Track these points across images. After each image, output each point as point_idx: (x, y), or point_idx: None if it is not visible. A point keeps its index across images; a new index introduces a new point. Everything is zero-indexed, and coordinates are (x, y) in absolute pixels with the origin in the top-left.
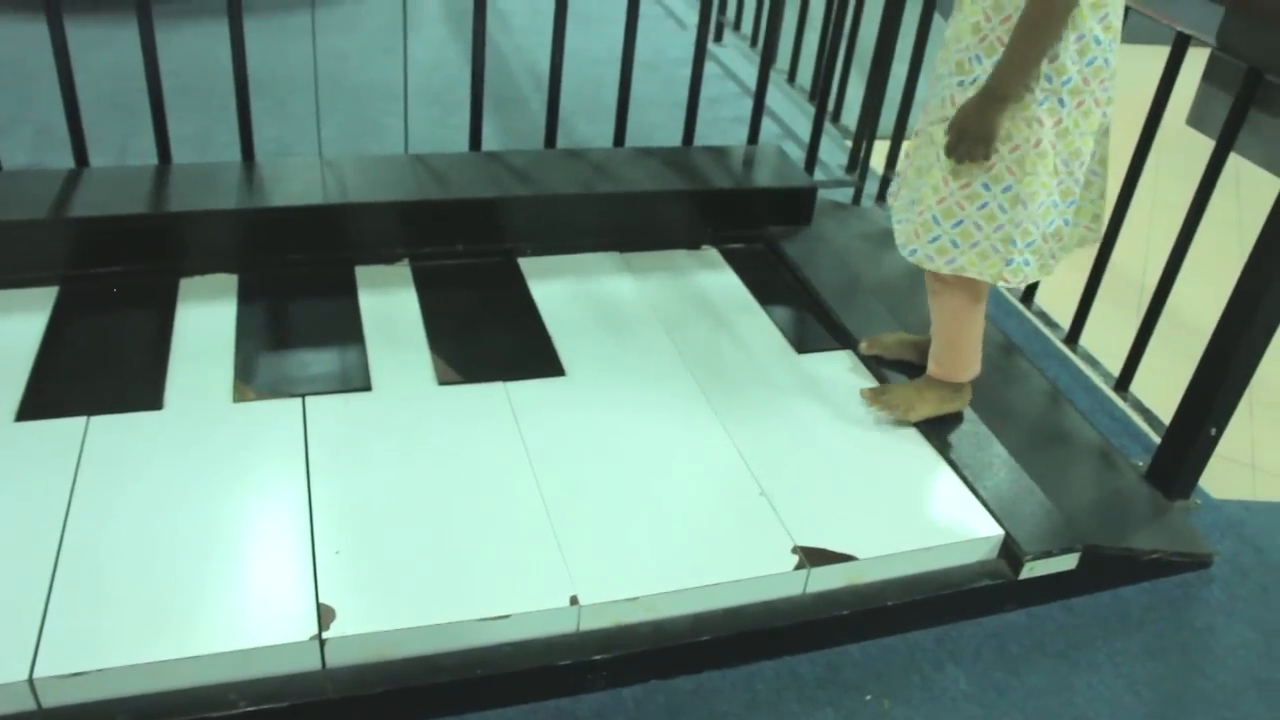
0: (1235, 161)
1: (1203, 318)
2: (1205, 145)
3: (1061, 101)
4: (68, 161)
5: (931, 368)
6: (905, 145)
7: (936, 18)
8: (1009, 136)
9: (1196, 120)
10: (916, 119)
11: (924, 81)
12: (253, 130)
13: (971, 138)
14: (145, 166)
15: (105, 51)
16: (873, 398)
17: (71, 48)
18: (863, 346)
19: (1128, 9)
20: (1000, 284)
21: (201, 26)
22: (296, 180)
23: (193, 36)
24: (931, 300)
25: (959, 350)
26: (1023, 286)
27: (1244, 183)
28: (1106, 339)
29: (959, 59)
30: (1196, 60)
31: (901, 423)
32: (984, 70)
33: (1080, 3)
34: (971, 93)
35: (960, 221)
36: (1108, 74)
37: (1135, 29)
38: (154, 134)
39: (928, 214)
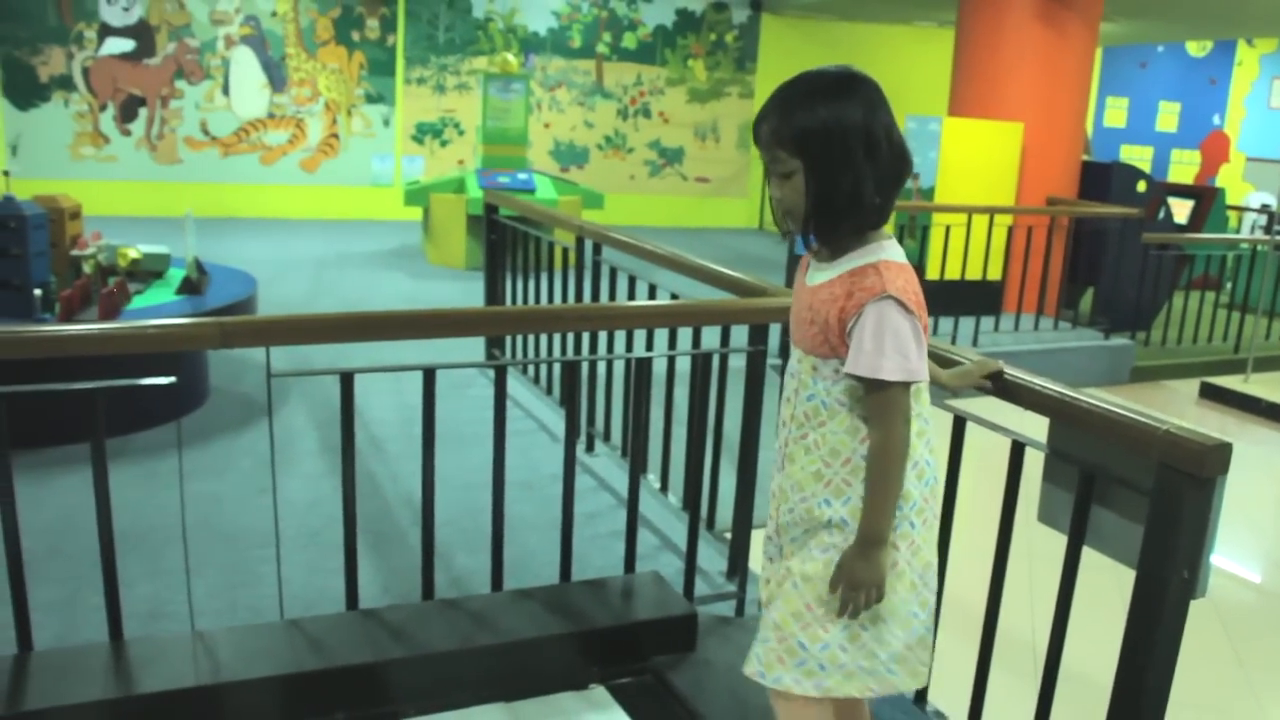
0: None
1: (1103, 673)
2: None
3: (911, 524)
4: None
5: None
6: (761, 567)
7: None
8: None
9: (1046, 517)
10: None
11: None
12: (120, 602)
13: (865, 587)
14: (2, 658)
15: None
16: None
17: None
18: None
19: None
20: (869, 694)
21: (74, 476)
22: (167, 661)
23: (64, 489)
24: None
25: None
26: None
27: None
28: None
29: (806, 507)
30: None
31: None
32: (835, 511)
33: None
34: (832, 535)
35: (826, 645)
36: (939, 488)
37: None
38: (14, 619)
39: (792, 640)
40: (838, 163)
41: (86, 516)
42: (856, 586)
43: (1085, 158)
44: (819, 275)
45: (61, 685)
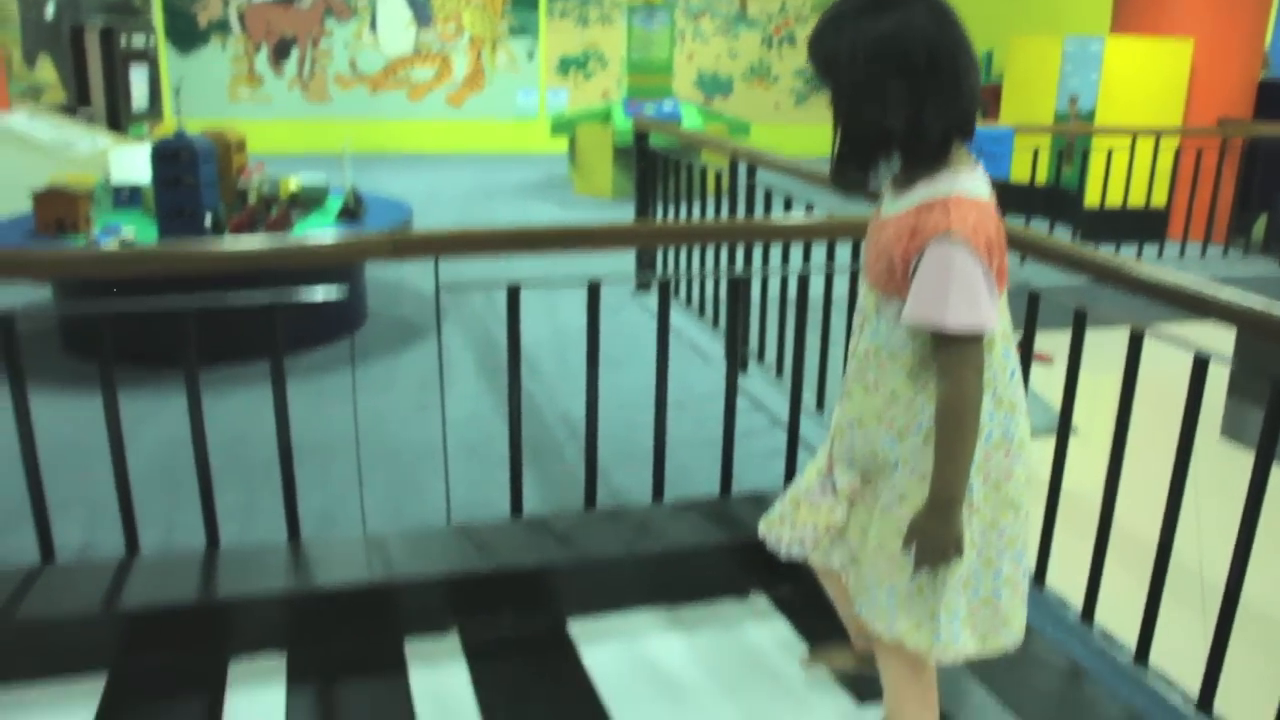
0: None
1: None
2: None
3: (969, 484)
4: (119, 539)
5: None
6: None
7: None
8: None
9: (1232, 431)
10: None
11: None
12: (297, 505)
13: (941, 548)
14: (193, 553)
15: (152, 424)
16: None
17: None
18: (802, 661)
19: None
20: (949, 661)
21: (246, 393)
22: (341, 560)
23: (237, 405)
24: (879, 654)
25: (905, 703)
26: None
27: None
28: (1179, 650)
29: (870, 449)
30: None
31: None
32: (898, 453)
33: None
34: (898, 477)
35: (893, 589)
36: (1015, 441)
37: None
38: (203, 518)
39: (868, 577)
40: (864, 89)
41: (257, 431)
42: (932, 547)
43: (1263, 75)
44: (891, 207)
45: (246, 578)
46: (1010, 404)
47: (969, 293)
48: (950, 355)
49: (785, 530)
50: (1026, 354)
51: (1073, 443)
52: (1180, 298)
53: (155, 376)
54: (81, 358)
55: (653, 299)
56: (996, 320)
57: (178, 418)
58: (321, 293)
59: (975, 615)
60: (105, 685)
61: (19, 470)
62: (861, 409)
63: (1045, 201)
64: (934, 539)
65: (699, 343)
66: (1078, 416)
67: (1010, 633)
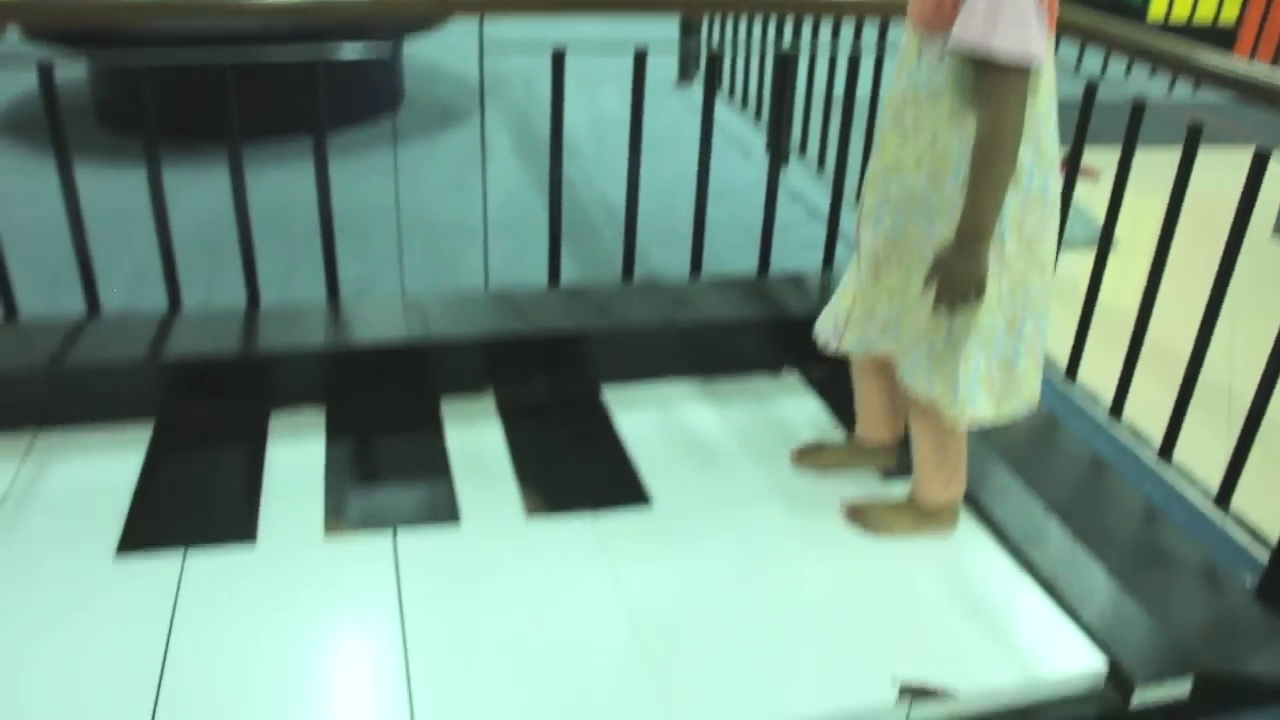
0: None
1: None
2: None
3: (1003, 238)
4: (161, 301)
5: (913, 488)
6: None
7: None
8: None
9: None
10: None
11: None
12: (337, 266)
13: (963, 285)
14: (235, 308)
15: (190, 193)
16: (851, 516)
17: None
18: (792, 458)
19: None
20: (965, 425)
21: (283, 168)
22: (380, 319)
23: (275, 179)
24: (912, 422)
25: (935, 468)
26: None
27: None
28: (1201, 452)
29: (905, 191)
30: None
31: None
32: (932, 202)
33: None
34: (934, 224)
35: (931, 345)
36: (1048, 206)
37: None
38: (244, 276)
39: (907, 337)
40: None
41: (295, 206)
42: (954, 283)
43: None
44: None
45: (287, 333)
46: (1051, 161)
47: (1019, 20)
48: (994, 84)
49: (829, 321)
50: (1073, 169)
51: (1112, 258)
52: (1249, 87)
53: (191, 154)
54: (116, 132)
55: (695, 93)
56: (1045, 58)
57: (214, 192)
58: (362, 50)
59: (992, 378)
60: (152, 432)
61: (59, 235)
62: (899, 155)
63: (1107, 13)
64: (957, 275)
65: (741, 136)
66: (1119, 232)
67: (1025, 400)
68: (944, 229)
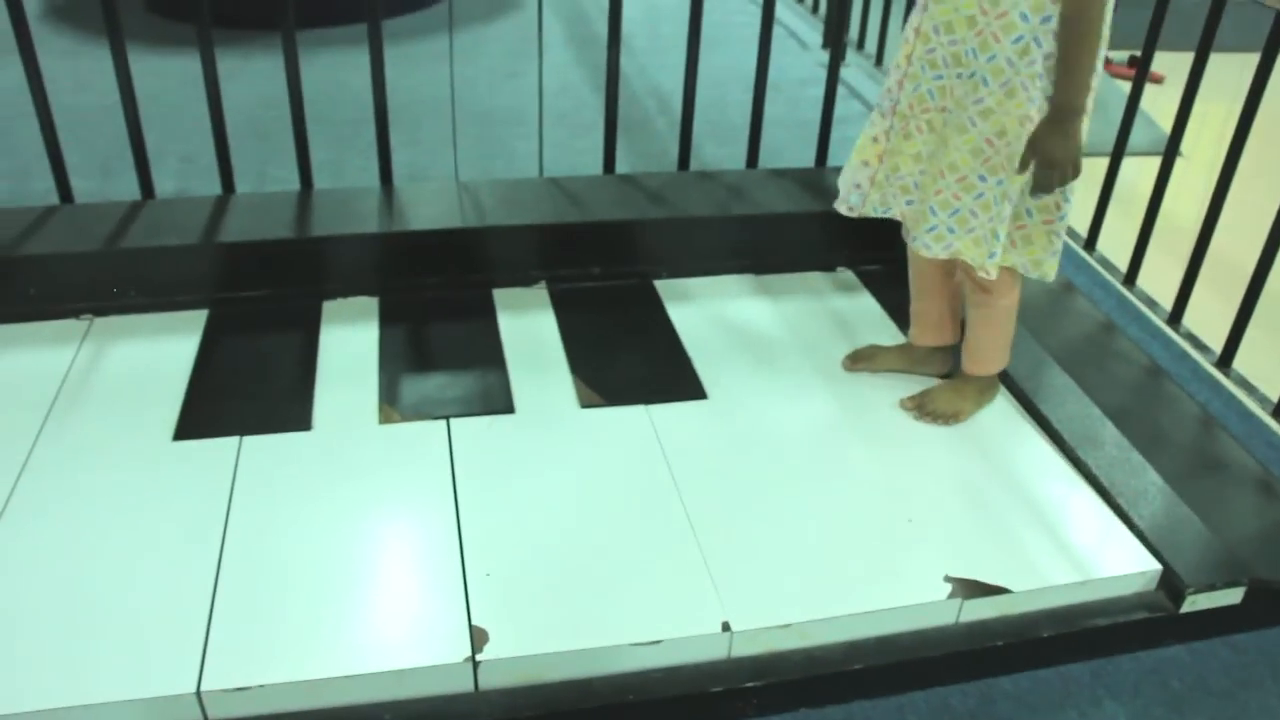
0: None
1: None
2: None
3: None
4: (213, 188)
5: (972, 367)
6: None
7: None
8: (1003, 132)
9: None
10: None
11: None
12: (390, 150)
13: (1063, 163)
14: (288, 192)
15: (238, 82)
16: (916, 407)
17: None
18: (845, 364)
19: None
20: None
21: (331, 56)
22: (434, 204)
23: (323, 67)
24: (973, 309)
25: (1003, 347)
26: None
27: None
28: (1261, 363)
29: (954, 51)
30: None
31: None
32: (980, 65)
33: None
34: (979, 89)
35: (956, 210)
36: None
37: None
38: (296, 161)
39: (923, 205)
40: None
41: (346, 93)
42: (1053, 162)
43: None
44: None
45: (340, 218)
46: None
47: None
48: None
49: (849, 181)
50: (1142, 72)
51: (1176, 166)
52: None
53: (237, 42)
54: (163, 16)
55: None
56: None
57: (261, 80)
58: None
59: (1012, 234)
60: (207, 316)
61: (109, 120)
62: (951, 13)
63: None
64: (1055, 154)
65: (797, 29)
66: (1185, 143)
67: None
68: (992, 93)
